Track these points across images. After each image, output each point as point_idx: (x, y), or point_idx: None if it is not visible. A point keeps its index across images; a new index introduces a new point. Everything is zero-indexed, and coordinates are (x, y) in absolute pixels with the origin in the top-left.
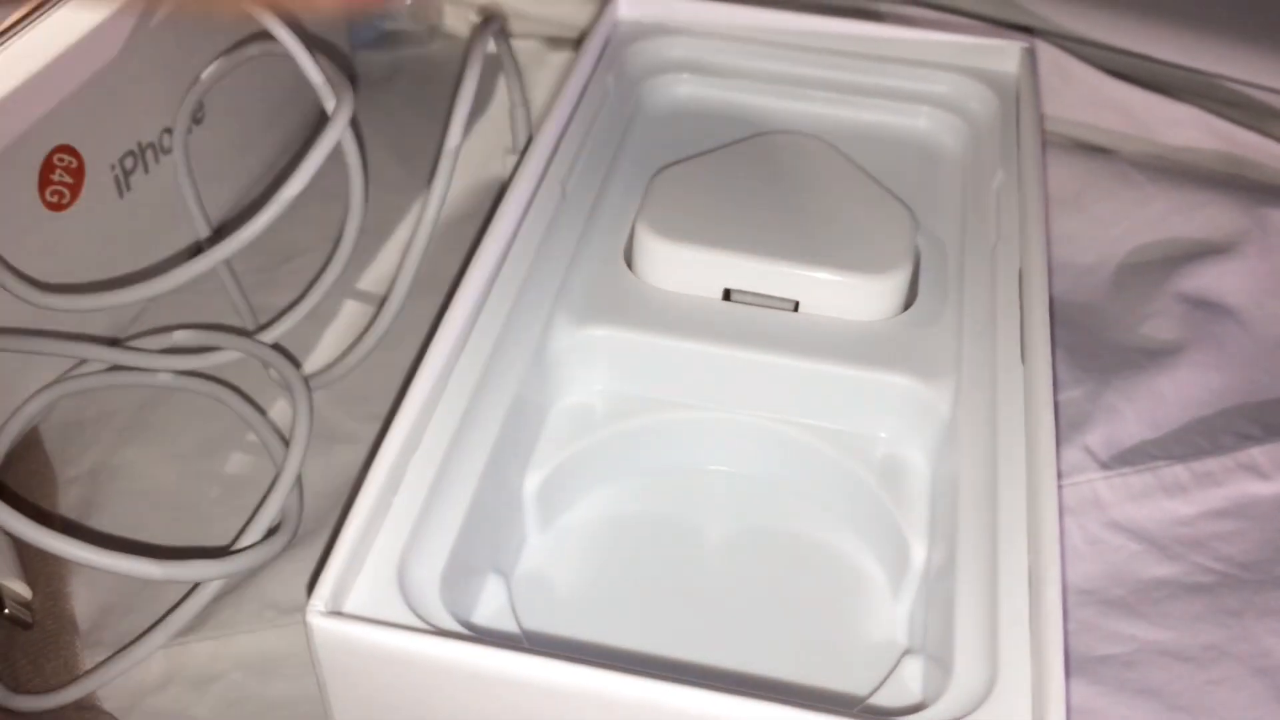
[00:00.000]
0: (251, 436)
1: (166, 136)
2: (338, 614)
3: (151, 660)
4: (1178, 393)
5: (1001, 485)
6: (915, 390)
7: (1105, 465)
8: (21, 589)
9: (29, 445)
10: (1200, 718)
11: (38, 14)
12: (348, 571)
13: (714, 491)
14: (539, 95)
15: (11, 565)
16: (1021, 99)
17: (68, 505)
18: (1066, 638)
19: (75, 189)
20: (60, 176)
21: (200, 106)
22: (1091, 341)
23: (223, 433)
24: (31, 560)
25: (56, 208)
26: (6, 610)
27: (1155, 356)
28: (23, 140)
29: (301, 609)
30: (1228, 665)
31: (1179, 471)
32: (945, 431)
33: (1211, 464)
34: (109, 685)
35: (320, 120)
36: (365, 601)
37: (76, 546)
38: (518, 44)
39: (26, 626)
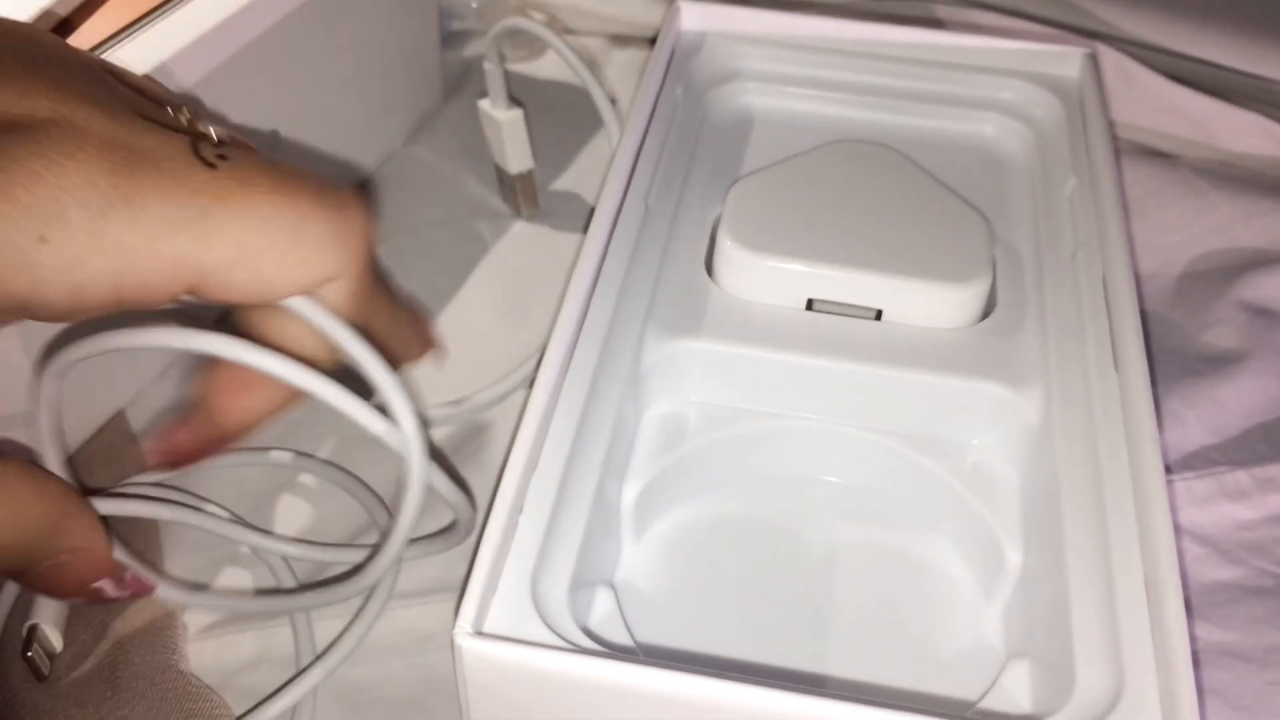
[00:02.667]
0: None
1: None
2: (481, 634)
3: (243, 640)
4: (1239, 400)
5: (1107, 491)
6: (1003, 397)
7: (1169, 470)
8: (55, 639)
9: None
10: (1264, 719)
11: None
12: (486, 591)
13: (805, 499)
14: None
15: (54, 612)
16: (1086, 104)
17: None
18: (1194, 644)
19: None
20: None
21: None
22: (1153, 348)
23: None
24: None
25: None
26: (30, 654)
27: (1217, 364)
28: None
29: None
30: None
31: (1241, 477)
32: (1034, 437)
33: (1273, 470)
34: (201, 661)
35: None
36: (504, 620)
37: None
38: (583, 41)
39: (41, 678)
